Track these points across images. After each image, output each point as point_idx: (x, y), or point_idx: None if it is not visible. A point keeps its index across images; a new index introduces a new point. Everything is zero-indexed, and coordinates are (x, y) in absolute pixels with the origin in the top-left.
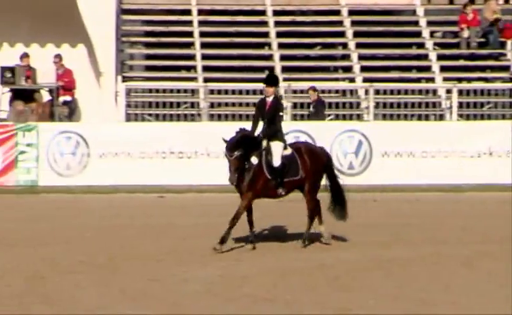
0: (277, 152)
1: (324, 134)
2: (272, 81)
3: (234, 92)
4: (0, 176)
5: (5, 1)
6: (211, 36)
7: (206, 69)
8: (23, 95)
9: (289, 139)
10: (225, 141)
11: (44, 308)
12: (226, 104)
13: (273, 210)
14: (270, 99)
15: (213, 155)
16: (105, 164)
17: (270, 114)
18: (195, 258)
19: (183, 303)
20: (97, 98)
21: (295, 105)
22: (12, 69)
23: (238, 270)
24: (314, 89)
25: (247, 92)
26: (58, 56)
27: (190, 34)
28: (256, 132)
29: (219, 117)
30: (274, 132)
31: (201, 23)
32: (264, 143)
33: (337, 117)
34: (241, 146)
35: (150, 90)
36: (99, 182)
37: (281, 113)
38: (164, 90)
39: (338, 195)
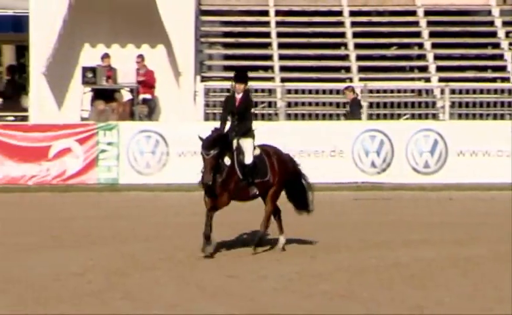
0: (249, 150)
1: (400, 133)
2: (242, 78)
3: (310, 91)
4: (81, 174)
5: (86, 3)
6: (288, 36)
7: (283, 69)
8: (104, 95)
9: (366, 138)
10: (201, 139)
11: (125, 303)
12: (303, 104)
13: None
14: (239, 95)
15: (290, 153)
16: (184, 162)
17: (240, 110)
18: (272, 256)
19: (261, 299)
20: (176, 98)
21: (371, 105)
22: (93, 70)
23: (314, 268)
24: (351, 89)
25: (324, 91)
26: (141, 56)
27: (268, 35)
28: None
29: (296, 116)
30: (246, 130)
31: (278, 24)
32: (235, 142)
33: (412, 117)
34: (217, 145)
35: (228, 90)
36: (178, 180)
37: (252, 110)
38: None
39: (302, 198)
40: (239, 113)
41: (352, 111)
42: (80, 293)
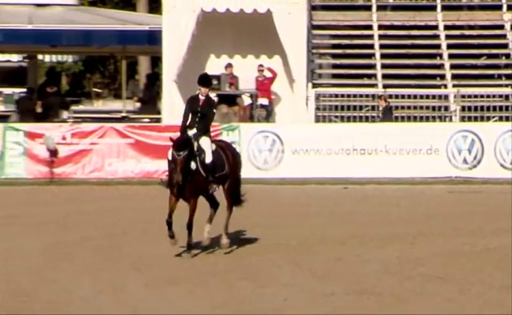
0: (208, 148)
1: (489, 133)
2: (205, 82)
3: (409, 96)
4: None
5: (212, 19)
6: (390, 48)
7: (385, 76)
8: (227, 99)
9: (459, 138)
10: (172, 140)
11: (245, 283)
12: (403, 107)
13: None
14: (202, 97)
15: (390, 151)
16: (297, 159)
17: (203, 109)
18: (375, 242)
19: (364, 281)
20: (290, 102)
21: (463, 109)
22: (218, 78)
23: (412, 253)
24: (383, 98)
25: (421, 96)
26: (261, 66)
27: (371, 46)
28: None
29: (396, 118)
30: (206, 128)
31: (381, 37)
32: (195, 144)
33: (500, 119)
34: (187, 147)
35: (336, 96)
36: (292, 175)
37: (214, 110)
38: (348, 96)
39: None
40: (202, 112)
41: (384, 117)
42: (205, 274)
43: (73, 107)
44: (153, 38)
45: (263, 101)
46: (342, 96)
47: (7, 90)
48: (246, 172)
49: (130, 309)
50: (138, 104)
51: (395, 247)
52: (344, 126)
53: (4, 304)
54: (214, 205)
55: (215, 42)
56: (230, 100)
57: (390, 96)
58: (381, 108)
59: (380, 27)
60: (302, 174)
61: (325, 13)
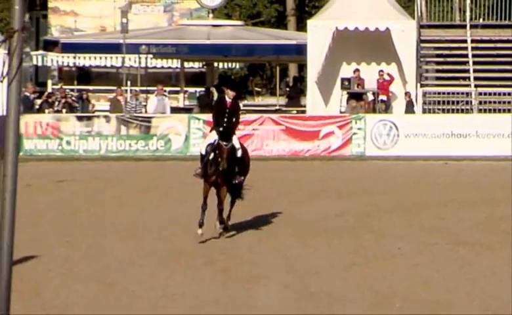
0: (237, 143)
1: None
2: (235, 86)
3: (494, 94)
4: (340, 149)
5: (344, 36)
6: (480, 57)
7: (476, 78)
8: (356, 96)
9: None
10: (220, 132)
11: (370, 236)
12: (490, 102)
13: None
14: (229, 99)
15: (480, 135)
16: (408, 142)
17: (231, 110)
18: (468, 204)
19: (460, 234)
20: (403, 99)
21: None
22: (348, 80)
23: (497, 213)
24: (408, 94)
25: (504, 94)
26: (382, 71)
27: (466, 56)
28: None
29: (484, 111)
30: (234, 126)
31: (473, 48)
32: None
33: None
34: (231, 139)
35: (439, 93)
36: (404, 154)
37: (240, 112)
38: (448, 93)
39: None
40: (230, 112)
41: (407, 108)
42: (339, 229)
43: (240, 102)
44: (300, 50)
45: (383, 97)
46: (444, 93)
47: (191, 89)
48: (370, 151)
49: (282, 255)
50: (287, 100)
51: (484, 209)
52: (444, 116)
53: None
54: (236, 195)
55: (346, 53)
56: (358, 96)
57: (480, 94)
58: (405, 101)
59: (472, 41)
60: (412, 153)
61: (431, 30)
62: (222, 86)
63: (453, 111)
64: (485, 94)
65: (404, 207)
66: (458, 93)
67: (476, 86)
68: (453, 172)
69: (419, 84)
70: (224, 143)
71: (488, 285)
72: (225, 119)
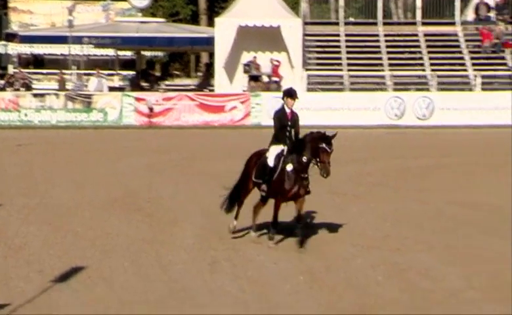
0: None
1: None
2: (294, 94)
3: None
4: (243, 120)
5: (245, 31)
6: (353, 47)
7: (349, 65)
8: (254, 78)
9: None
10: (326, 137)
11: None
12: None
13: None
14: (288, 110)
15: (351, 109)
16: None
17: (292, 123)
18: (344, 162)
19: (337, 186)
20: (291, 80)
21: None
22: (248, 65)
23: (365, 168)
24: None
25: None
26: (273, 59)
27: (339, 47)
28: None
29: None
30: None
31: (347, 41)
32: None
33: None
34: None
35: (320, 76)
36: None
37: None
38: (330, 76)
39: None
40: (292, 126)
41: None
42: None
43: (163, 83)
44: (210, 41)
45: (275, 79)
46: (323, 76)
47: (124, 72)
48: (265, 121)
49: (197, 203)
50: (200, 80)
51: (354, 166)
52: (324, 94)
53: None
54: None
55: (246, 44)
56: (256, 78)
57: (351, 77)
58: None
59: (346, 35)
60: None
61: (313, 26)
62: (284, 96)
63: (330, 90)
64: (356, 76)
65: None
66: (334, 76)
67: (348, 70)
68: None
69: (304, 69)
70: (331, 147)
71: (357, 225)
72: (287, 134)
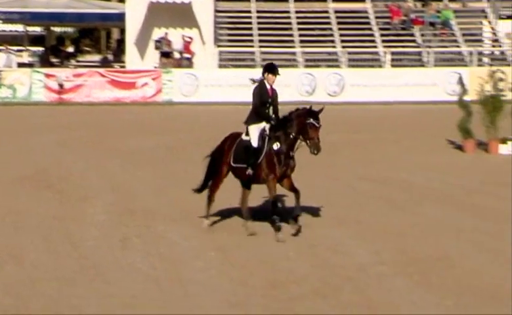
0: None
1: None
2: (276, 70)
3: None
4: (154, 96)
5: (157, 7)
6: (264, 24)
7: (261, 41)
8: (166, 54)
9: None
10: (314, 112)
11: (177, 164)
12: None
13: None
14: (269, 86)
15: None
16: (208, 90)
17: (274, 99)
18: None
19: None
20: (203, 56)
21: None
22: (160, 41)
23: None
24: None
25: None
26: (184, 36)
27: (251, 23)
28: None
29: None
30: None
31: (258, 17)
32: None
33: None
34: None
35: (232, 52)
36: (205, 100)
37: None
38: (242, 52)
39: None
40: (274, 102)
41: None
42: (153, 159)
43: (73, 59)
44: (121, 17)
45: (187, 56)
46: (235, 52)
47: (33, 48)
48: (177, 98)
49: (107, 180)
50: (111, 56)
51: None
52: (235, 70)
53: None
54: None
55: (158, 21)
56: (167, 54)
57: (263, 53)
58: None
59: (257, 11)
60: (210, 100)
61: (224, 2)
62: (264, 72)
63: (242, 66)
64: (267, 53)
65: (205, 141)
66: (246, 52)
67: (260, 47)
68: (241, 115)
69: (215, 46)
70: (319, 122)
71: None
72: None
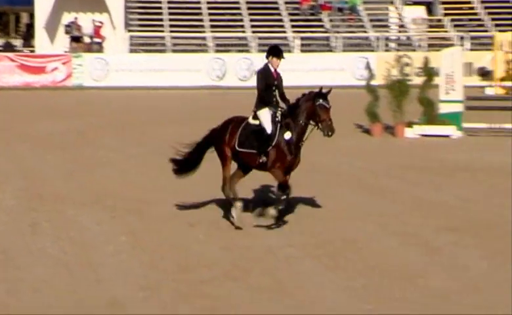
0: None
1: None
2: (281, 53)
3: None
4: (64, 81)
5: None
6: (175, 9)
7: (172, 26)
8: (76, 39)
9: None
10: (322, 93)
11: (88, 148)
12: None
13: None
14: (273, 70)
15: (174, 71)
16: (119, 75)
17: (279, 83)
18: (165, 123)
19: (159, 146)
20: (114, 41)
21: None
22: (70, 25)
23: (182, 130)
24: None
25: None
26: (95, 20)
27: (161, 8)
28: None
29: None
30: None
31: (168, 2)
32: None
33: None
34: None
35: (142, 37)
36: (115, 84)
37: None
38: (153, 37)
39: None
40: (278, 86)
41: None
42: (63, 143)
43: None
44: (30, 1)
45: (97, 40)
46: (146, 37)
47: None
48: (87, 82)
49: (17, 165)
50: (21, 41)
51: (173, 127)
52: (147, 55)
53: None
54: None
55: (67, 5)
56: (77, 39)
57: (173, 38)
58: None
59: None
60: (121, 84)
61: None
62: (269, 55)
63: (152, 51)
64: (178, 38)
65: (115, 125)
66: (156, 37)
67: (170, 32)
68: (153, 99)
69: (126, 30)
70: (329, 103)
71: (179, 187)
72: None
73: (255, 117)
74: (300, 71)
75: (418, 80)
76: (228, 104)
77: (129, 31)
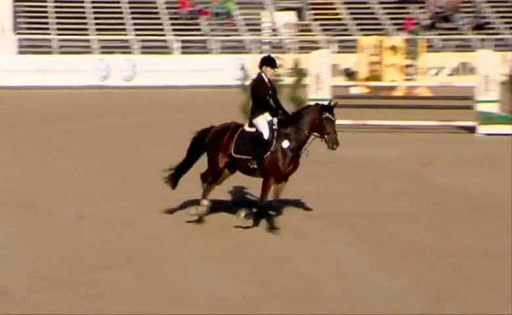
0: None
1: None
2: (275, 63)
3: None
4: None
5: None
6: (65, 13)
7: (59, 29)
8: None
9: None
10: (329, 106)
11: None
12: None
13: None
14: (267, 79)
15: (61, 71)
16: (8, 75)
17: (273, 91)
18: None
19: (51, 142)
20: (2, 43)
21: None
22: None
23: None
24: None
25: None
26: None
27: (47, 11)
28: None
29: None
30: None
31: (56, 6)
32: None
33: None
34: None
35: (31, 39)
36: (5, 84)
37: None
38: (41, 40)
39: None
40: (272, 94)
41: None
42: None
43: None
44: None
45: None
46: (34, 39)
47: None
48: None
49: None
50: None
51: (61, 124)
52: (34, 57)
53: None
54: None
55: None
56: None
57: (61, 40)
58: None
59: (55, 1)
60: (12, 84)
61: None
62: (262, 65)
63: (41, 53)
64: (64, 40)
65: (4, 125)
66: (44, 39)
67: (57, 34)
68: (41, 99)
69: (14, 33)
70: (331, 116)
71: (64, 181)
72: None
73: (251, 124)
74: (180, 72)
75: (289, 80)
76: (112, 102)
77: (18, 33)
